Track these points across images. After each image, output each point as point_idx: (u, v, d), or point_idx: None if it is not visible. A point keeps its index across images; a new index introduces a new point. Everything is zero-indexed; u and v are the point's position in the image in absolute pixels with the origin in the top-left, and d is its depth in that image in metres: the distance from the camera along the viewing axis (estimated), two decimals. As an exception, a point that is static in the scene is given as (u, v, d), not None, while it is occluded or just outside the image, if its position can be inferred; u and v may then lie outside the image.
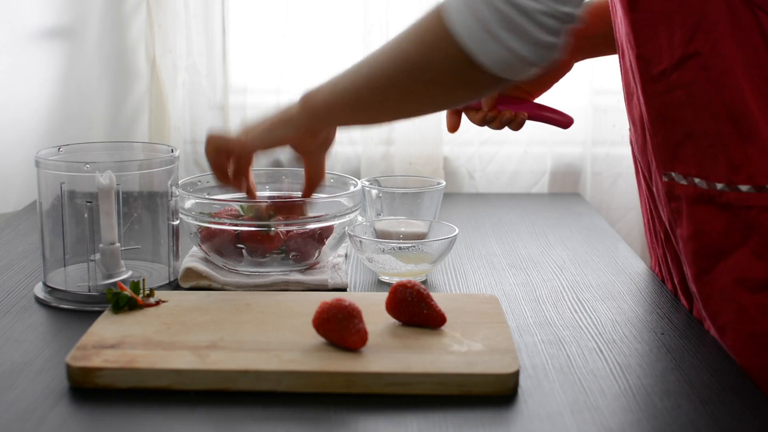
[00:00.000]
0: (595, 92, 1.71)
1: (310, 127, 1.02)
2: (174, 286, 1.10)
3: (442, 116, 1.69)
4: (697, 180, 0.93)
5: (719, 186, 0.91)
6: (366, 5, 1.67)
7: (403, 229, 1.19)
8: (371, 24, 1.68)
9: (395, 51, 0.91)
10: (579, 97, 1.70)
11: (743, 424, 0.78)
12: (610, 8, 1.05)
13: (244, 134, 1.03)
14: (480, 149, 1.74)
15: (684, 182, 0.95)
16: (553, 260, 1.23)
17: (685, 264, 0.98)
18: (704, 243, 0.94)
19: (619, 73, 1.08)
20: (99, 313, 0.96)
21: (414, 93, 0.92)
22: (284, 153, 1.75)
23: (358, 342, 0.85)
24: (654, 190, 1.02)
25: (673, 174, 0.96)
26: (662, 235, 1.05)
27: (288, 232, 1.11)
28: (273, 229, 1.09)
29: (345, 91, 0.97)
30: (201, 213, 1.12)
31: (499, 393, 0.82)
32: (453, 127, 1.14)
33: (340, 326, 0.85)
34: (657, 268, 1.14)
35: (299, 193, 1.24)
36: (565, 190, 1.75)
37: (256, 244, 1.10)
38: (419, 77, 0.89)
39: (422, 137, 1.70)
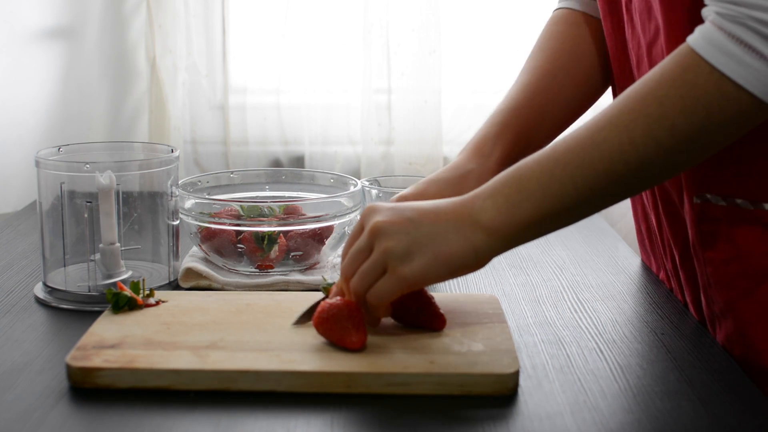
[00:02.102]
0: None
1: (497, 254, 0.84)
2: (174, 286, 1.10)
3: (441, 116, 1.70)
4: (739, 201, 0.90)
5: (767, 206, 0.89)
6: (366, 5, 1.67)
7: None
8: (371, 24, 1.68)
9: (646, 127, 0.77)
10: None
11: (743, 424, 0.78)
12: (607, 32, 1.03)
13: (402, 258, 0.83)
14: (480, 149, 1.74)
15: (723, 203, 0.91)
16: (553, 260, 1.23)
17: (715, 289, 0.94)
18: (747, 264, 0.91)
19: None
20: (99, 313, 0.96)
21: (682, 165, 0.81)
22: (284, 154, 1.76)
23: (356, 343, 0.85)
24: (664, 209, 1.00)
25: (708, 195, 0.92)
26: (677, 254, 1.01)
27: (287, 242, 1.11)
28: None
29: (558, 198, 0.81)
30: (201, 213, 1.12)
31: (499, 393, 0.82)
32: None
33: (339, 326, 0.85)
34: (664, 278, 1.13)
35: (295, 193, 1.25)
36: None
37: (255, 259, 1.11)
38: (693, 146, 0.78)
39: (422, 137, 1.70)
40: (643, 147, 0.78)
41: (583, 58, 1.08)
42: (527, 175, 0.82)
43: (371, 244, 0.85)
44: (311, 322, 0.88)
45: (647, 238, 1.15)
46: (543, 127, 1.06)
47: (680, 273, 1.03)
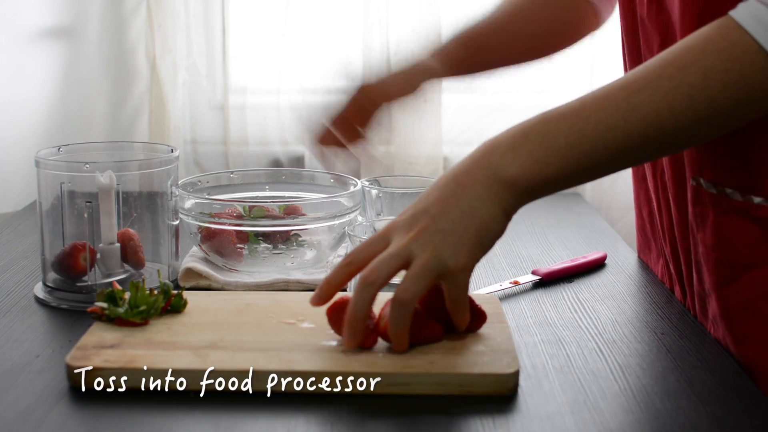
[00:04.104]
0: (595, 92, 1.71)
1: (520, 207, 0.84)
2: (174, 286, 1.10)
3: (441, 116, 1.70)
4: (728, 190, 0.90)
5: (757, 200, 0.88)
6: (366, 5, 1.67)
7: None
8: (371, 24, 1.68)
9: (687, 97, 0.77)
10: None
11: (743, 424, 0.78)
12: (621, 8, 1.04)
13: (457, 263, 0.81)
14: (480, 149, 1.74)
15: (713, 191, 0.91)
16: (553, 260, 1.23)
17: (705, 269, 0.95)
18: (730, 254, 0.91)
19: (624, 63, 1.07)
20: (99, 313, 0.96)
21: (713, 135, 0.82)
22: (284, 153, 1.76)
23: (370, 341, 0.85)
24: (671, 186, 1.00)
25: (701, 180, 0.92)
26: (678, 236, 1.01)
27: None
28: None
29: (586, 157, 0.80)
30: (201, 213, 1.12)
31: (499, 393, 0.82)
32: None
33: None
34: (663, 270, 1.13)
35: (295, 193, 1.25)
36: (565, 190, 1.74)
37: None
38: (728, 119, 0.79)
39: (422, 137, 1.70)
40: (682, 116, 0.78)
41: (556, 9, 1.15)
42: (553, 131, 0.81)
43: (409, 252, 0.81)
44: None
45: (648, 223, 1.15)
46: (498, 48, 1.16)
47: (680, 254, 1.03)
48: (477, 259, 0.82)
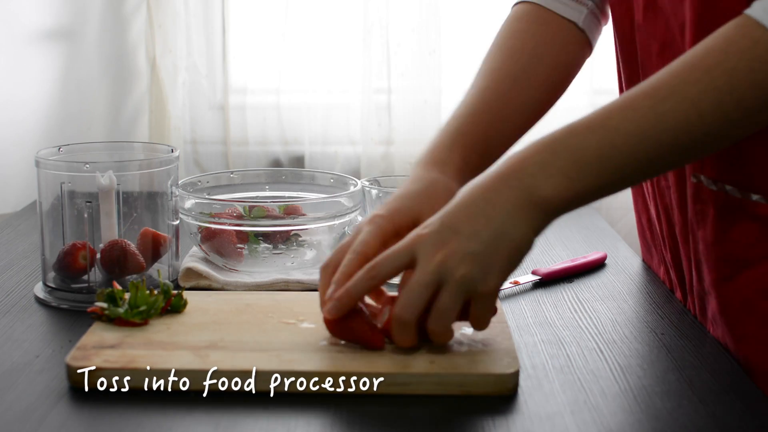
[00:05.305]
0: (594, 92, 1.71)
1: (543, 228, 0.82)
2: (174, 286, 1.10)
3: (441, 116, 1.70)
4: (728, 187, 0.90)
5: (755, 197, 0.88)
6: (366, 5, 1.67)
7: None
8: (371, 24, 1.68)
9: (715, 100, 0.77)
10: (579, 97, 1.70)
11: (743, 424, 0.78)
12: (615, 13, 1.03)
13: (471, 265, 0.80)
14: (480, 149, 1.74)
15: (714, 188, 0.91)
16: (553, 260, 1.23)
17: (705, 267, 0.95)
18: (729, 251, 0.91)
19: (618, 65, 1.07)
20: (99, 313, 0.96)
21: (740, 136, 0.81)
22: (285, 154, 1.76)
23: (380, 341, 0.85)
24: (672, 185, 1.00)
25: (702, 177, 0.92)
26: (679, 237, 1.01)
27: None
28: None
29: (618, 170, 0.79)
30: (201, 213, 1.12)
31: (499, 393, 0.82)
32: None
33: (366, 326, 0.85)
34: (665, 277, 1.13)
35: (295, 193, 1.25)
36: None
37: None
38: (756, 118, 0.78)
39: (422, 137, 1.70)
40: (711, 120, 0.77)
41: (544, 59, 1.04)
42: (583, 145, 0.79)
43: (439, 279, 0.81)
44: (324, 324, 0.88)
45: (648, 229, 1.15)
46: (503, 132, 1.02)
47: (682, 257, 1.02)
48: (505, 280, 0.83)
